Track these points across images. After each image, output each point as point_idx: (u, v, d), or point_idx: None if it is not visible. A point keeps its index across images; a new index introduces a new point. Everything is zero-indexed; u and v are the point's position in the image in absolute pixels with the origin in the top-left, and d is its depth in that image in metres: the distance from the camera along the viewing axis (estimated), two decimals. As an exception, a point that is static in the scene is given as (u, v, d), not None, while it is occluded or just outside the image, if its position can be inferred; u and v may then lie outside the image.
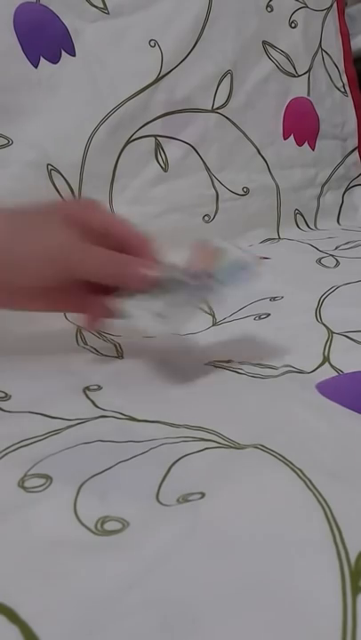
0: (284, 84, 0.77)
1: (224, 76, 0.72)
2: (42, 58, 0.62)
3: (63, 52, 0.63)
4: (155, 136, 0.68)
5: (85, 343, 0.44)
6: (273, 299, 0.52)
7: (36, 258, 0.36)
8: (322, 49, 0.80)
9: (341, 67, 0.83)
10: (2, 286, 0.37)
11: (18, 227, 0.37)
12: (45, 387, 0.37)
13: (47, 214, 0.38)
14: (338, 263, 0.62)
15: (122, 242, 0.38)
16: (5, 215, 0.37)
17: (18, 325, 0.49)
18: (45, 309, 0.41)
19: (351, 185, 0.85)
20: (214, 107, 0.71)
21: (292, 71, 0.77)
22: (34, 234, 0.37)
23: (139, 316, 0.38)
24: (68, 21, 0.63)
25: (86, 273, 0.37)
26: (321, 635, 0.19)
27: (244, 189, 0.73)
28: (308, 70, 0.79)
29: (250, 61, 0.74)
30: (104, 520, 0.25)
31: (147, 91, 0.66)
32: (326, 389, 0.36)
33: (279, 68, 0.76)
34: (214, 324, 0.48)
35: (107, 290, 0.39)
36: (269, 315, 0.49)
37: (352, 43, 0.85)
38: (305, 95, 0.79)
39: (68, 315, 0.50)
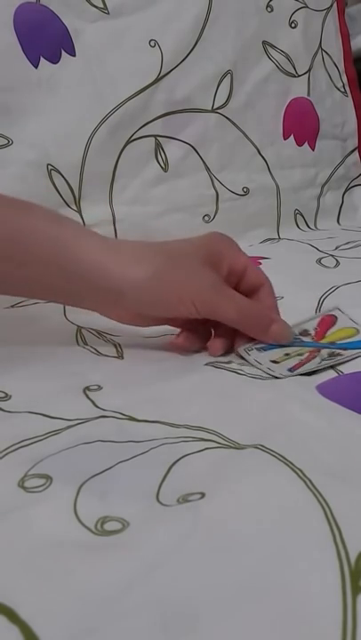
0: (284, 84, 0.77)
1: (224, 76, 0.72)
2: (42, 58, 0.62)
3: (63, 52, 0.63)
4: (155, 136, 0.68)
5: (85, 343, 0.44)
6: (273, 299, 0.52)
7: (179, 299, 0.39)
8: (322, 49, 0.80)
9: (341, 67, 0.83)
10: (143, 315, 0.41)
11: (163, 267, 0.39)
12: (45, 387, 0.37)
13: (192, 253, 0.40)
14: (338, 263, 0.62)
15: (253, 286, 0.42)
16: (151, 254, 0.40)
17: (18, 325, 0.49)
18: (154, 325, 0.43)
19: (351, 185, 0.85)
20: (214, 107, 0.71)
21: (292, 71, 0.77)
22: (178, 275, 0.39)
23: (253, 360, 0.40)
24: (68, 21, 0.63)
25: (224, 319, 0.40)
26: (321, 635, 0.19)
27: (244, 189, 0.73)
28: (308, 70, 0.79)
29: (250, 61, 0.74)
30: (104, 520, 0.25)
31: (147, 91, 0.66)
32: (326, 390, 0.36)
33: (279, 68, 0.76)
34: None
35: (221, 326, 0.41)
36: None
37: (352, 43, 0.85)
38: (305, 95, 0.79)
39: (68, 315, 0.50)
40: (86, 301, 0.41)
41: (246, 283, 0.42)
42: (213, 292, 0.39)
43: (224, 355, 0.42)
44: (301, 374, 0.38)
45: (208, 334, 0.43)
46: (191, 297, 0.39)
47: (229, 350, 0.42)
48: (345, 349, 0.41)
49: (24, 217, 0.38)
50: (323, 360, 0.39)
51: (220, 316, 0.40)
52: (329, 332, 0.43)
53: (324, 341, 0.42)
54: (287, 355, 0.41)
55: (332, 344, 0.42)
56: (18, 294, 0.41)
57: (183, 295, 0.39)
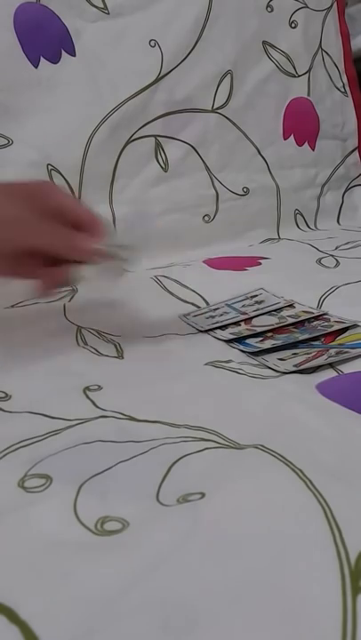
0: (284, 84, 0.77)
1: (224, 76, 0.72)
2: (42, 58, 0.62)
3: (63, 52, 0.63)
4: (155, 136, 0.68)
5: (85, 343, 0.44)
6: (273, 299, 0.52)
7: None
8: (322, 49, 0.80)
9: (341, 67, 0.83)
10: None
11: None
12: (45, 387, 0.37)
13: (9, 193, 0.40)
14: (338, 263, 0.62)
15: (75, 221, 0.41)
16: None
17: (18, 325, 0.49)
18: None
19: (351, 185, 0.85)
20: (214, 107, 0.71)
21: (292, 71, 0.77)
22: None
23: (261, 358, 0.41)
24: (68, 21, 0.63)
25: (38, 244, 0.40)
26: (321, 635, 0.19)
27: (244, 189, 0.73)
28: (308, 70, 0.79)
29: (250, 61, 0.74)
30: (104, 520, 0.25)
31: (147, 91, 0.66)
32: (326, 389, 0.36)
33: (279, 68, 0.76)
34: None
35: (58, 262, 0.41)
36: (269, 315, 0.49)
37: (352, 43, 0.85)
38: (305, 95, 0.79)
39: (68, 315, 0.50)
40: None
41: (69, 220, 0.41)
42: (27, 221, 0.39)
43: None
44: (307, 369, 0.39)
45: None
46: (5, 225, 0.39)
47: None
48: (353, 349, 0.41)
49: None
50: (330, 357, 0.39)
51: (33, 242, 0.39)
52: (339, 337, 0.44)
53: (333, 344, 0.43)
54: (295, 354, 0.41)
55: (341, 345, 0.42)
56: None
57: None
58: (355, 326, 0.45)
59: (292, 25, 0.77)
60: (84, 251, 0.41)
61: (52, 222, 0.40)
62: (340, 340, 0.43)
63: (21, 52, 0.61)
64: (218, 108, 0.72)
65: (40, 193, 0.41)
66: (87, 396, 0.36)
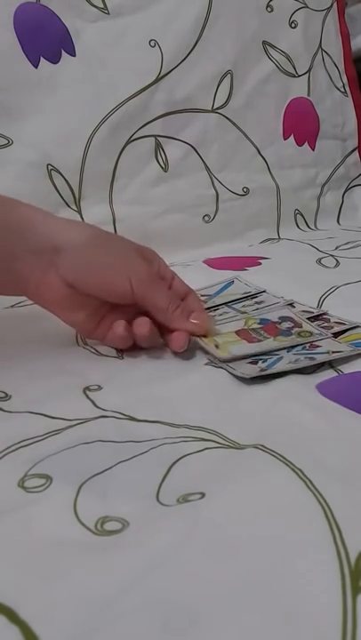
0: (284, 84, 0.77)
1: (224, 76, 0.72)
2: (42, 58, 0.62)
3: (63, 52, 0.63)
4: (155, 136, 0.68)
5: (85, 343, 0.44)
6: (273, 299, 0.52)
7: (116, 270, 0.39)
8: (322, 49, 0.80)
9: (341, 67, 0.83)
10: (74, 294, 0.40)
11: (99, 236, 0.40)
12: (45, 387, 0.37)
13: (126, 242, 0.42)
14: (338, 263, 0.62)
15: (181, 293, 0.44)
16: (85, 224, 0.42)
17: (18, 325, 0.49)
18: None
19: (351, 185, 0.85)
20: (214, 107, 0.71)
21: (292, 71, 0.77)
22: (115, 249, 0.40)
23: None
24: (68, 21, 0.63)
25: (153, 305, 0.41)
26: (321, 635, 0.19)
27: (244, 189, 0.73)
28: (308, 70, 0.79)
29: (250, 61, 0.74)
30: (104, 520, 0.25)
31: (147, 91, 0.67)
32: (326, 390, 0.36)
33: (279, 68, 0.76)
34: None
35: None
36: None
37: (352, 43, 0.85)
38: (305, 95, 0.79)
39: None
40: (19, 262, 0.38)
41: (175, 289, 0.44)
42: (150, 277, 0.40)
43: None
44: (307, 369, 0.38)
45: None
46: (128, 273, 0.39)
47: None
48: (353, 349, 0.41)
49: None
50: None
51: (151, 301, 0.40)
52: (341, 337, 0.44)
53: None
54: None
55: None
56: None
57: (121, 268, 0.39)
58: (355, 327, 0.45)
59: (292, 25, 0.77)
60: (196, 325, 0.41)
61: (167, 287, 0.42)
62: (342, 339, 0.43)
63: (21, 52, 0.61)
64: (218, 108, 0.72)
65: (150, 254, 0.43)
66: (87, 396, 0.36)
